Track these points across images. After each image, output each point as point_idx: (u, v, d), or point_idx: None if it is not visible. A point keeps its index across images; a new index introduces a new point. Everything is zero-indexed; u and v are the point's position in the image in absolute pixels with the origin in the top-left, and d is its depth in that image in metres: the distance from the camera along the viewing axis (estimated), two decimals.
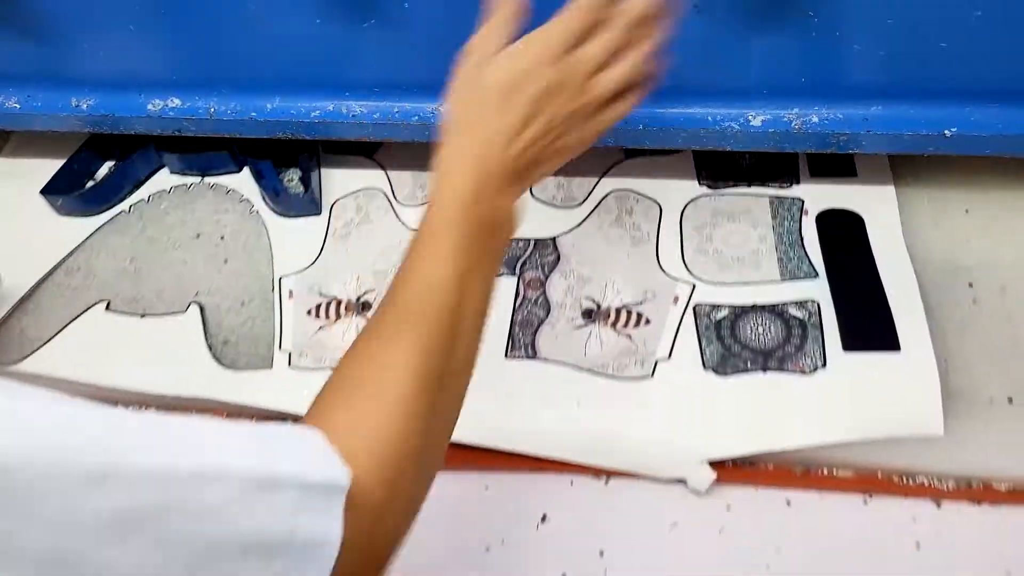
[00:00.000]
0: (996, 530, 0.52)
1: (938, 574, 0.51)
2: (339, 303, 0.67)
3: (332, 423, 0.35)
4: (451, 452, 0.52)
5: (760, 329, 0.61)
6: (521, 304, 0.65)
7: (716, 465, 0.55)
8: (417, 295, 0.40)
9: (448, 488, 0.53)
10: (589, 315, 0.63)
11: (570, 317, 0.63)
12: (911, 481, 0.54)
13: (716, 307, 0.62)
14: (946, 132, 0.58)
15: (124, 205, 0.76)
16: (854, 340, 0.58)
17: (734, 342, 0.60)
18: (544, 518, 0.55)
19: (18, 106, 0.72)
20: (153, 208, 0.76)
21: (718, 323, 0.61)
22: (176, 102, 0.69)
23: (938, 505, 0.53)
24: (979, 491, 0.53)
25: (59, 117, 0.71)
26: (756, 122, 0.61)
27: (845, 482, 0.55)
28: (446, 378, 0.40)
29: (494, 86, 0.44)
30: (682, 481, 0.55)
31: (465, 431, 0.56)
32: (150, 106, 0.69)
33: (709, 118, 0.62)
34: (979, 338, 0.58)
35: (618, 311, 0.63)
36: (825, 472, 0.55)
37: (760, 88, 0.60)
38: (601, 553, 0.54)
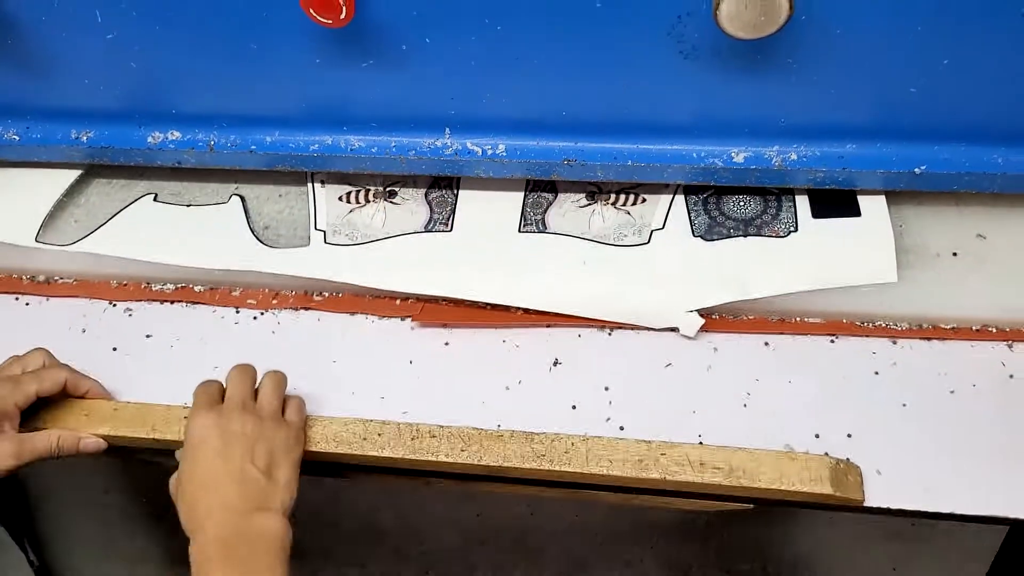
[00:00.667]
0: (942, 360, 0.61)
1: (893, 394, 0.60)
2: (367, 191, 0.74)
3: None
4: (471, 311, 0.67)
5: (741, 202, 0.70)
6: (531, 188, 0.73)
7: (703, 315, 0.63)
8: None
9: (470, 341, 0.66)
10: (592, 196, 0.71)
11: (575, 199, 0.72)
12: (871, 324, 0.64)
13: (704, 187, 0.70)
14: (916, 170, 0.64)
15: None
16: (822, 208, 0.68)
17: (719, 213, 0.69)
18: (556, 362, 0.62)
19: (17, 138, 0.73)
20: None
21: (705, 199, 0.70)
22: (176, 135, 0.71)
23: (894, 342, 0.63)
24: (928, 330, 0.63)
25: (59, 148, 0.72)
26: (739, 159, 0.65)
27: (814, 326, 0.64)
28: None
29: (190, 473, 0.55)
30: (675, 329, 0.64)
31: (484, 292, 0.66)
32: (150, 139, 0.71)
33: (695, 154, 0.66)
34: (928, 202, 0.68)
35: (618, 192, 0.71)
36: (797, 319, 0.65)
37: (742, 127, 0.64)
38: (606, 388, 0.63)
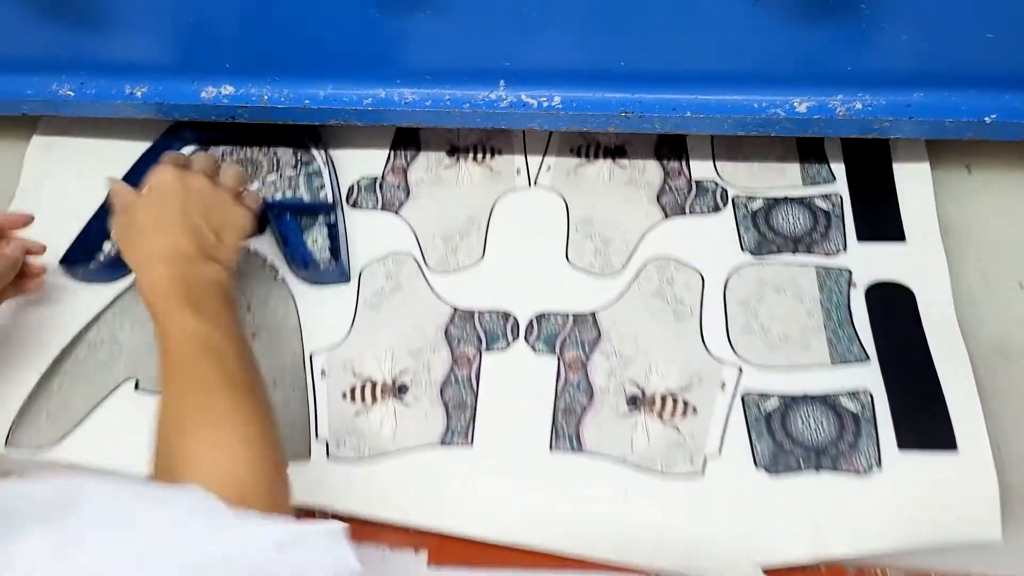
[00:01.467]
0: None
1: None
2: (374, 385, 0.65)
3: (218, 475, 0.46)
4: (496, 552, 0.58)
5: (812, 423, 0.60)
6: (563, 388, 0.63)
7: (769, 571, 0.55)
8: (182, 358, 0.51)
9: None
10: (634, 402, 0.62)
11: (614, 404, 0.62)
12: None
13: (765, 396, 0.61)
14: (986, 119, 0.61)
15: None
16: (909, 437, 0.58)
17: (785, 437, 0.60)
18: None
19: (72, 93, 0.72)
20: None
21: (768, 415, 0.60)
22: (229, 89, 0.70)
23: None
24: None
25: (114, 104, 0.72)
26: (801, 108, 0.63)
27: None
28: (249, 392, 0.51)
29: (146, 212, 0.57)
30: None
31: (512, 530, 0.58)
32: (203, 93, 0.70)
33: (755, 104, 0.63)
34: None
35: (663, 398, 0.62)
36: (878, 572, 0.55)
37: (805, 75, 0.62)
38: None
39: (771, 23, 0.57)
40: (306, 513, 0.59)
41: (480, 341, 0.65)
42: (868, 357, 0.61)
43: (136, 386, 0.66)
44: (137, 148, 0.78)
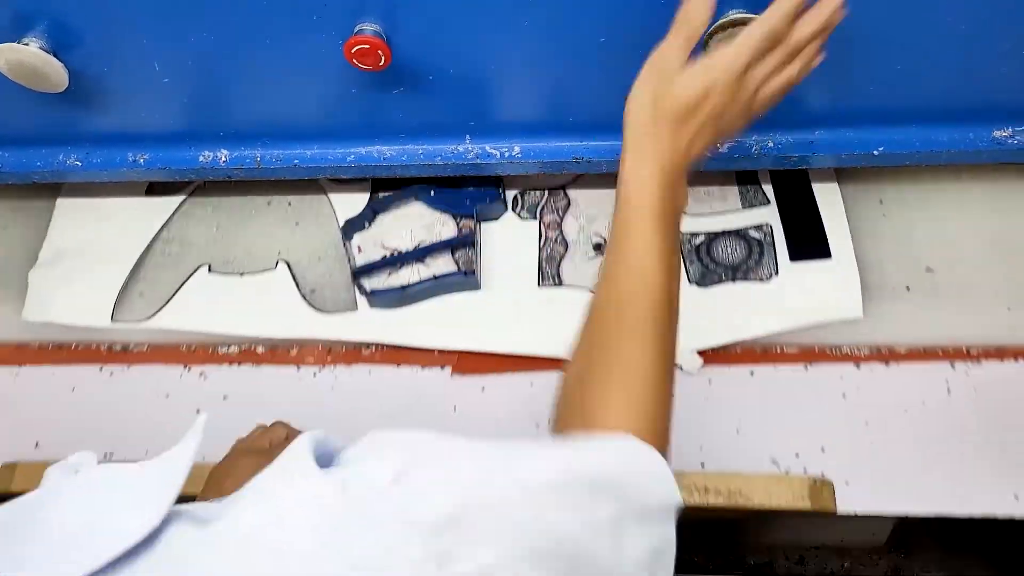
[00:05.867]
0: (898, 380, 0.73)
1: (861, 414, 0.71)
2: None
3: (616, 413, 0.46)
4: (503, 361, 0.76)
5: (729, 249, 0.79)
6: (544, 243, 0.82)
7: (701, 352, 0.75)
8: (634, 288, 0.49)
9: (503, 386, 0.76)
10: (598, 248, 0.81)
11: (584, 251, 0.81)
12: (838, 352, 0.75)
13: (695, 234, 0.79)
14: (875, 152, 0.71)
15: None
16: (798, 253, 0.78)
17: (710, 260, 0.79)
18: None
19: (80, 163, 0.78)
20: (221, 184, 0.85)
21: (697, 247, 0.79)
22: (225, 153, 0.77)
23: (857, 367, 0.74)
24: (886, 354, 0.74)
25: (119, 171, 0.78)
26: (723, 148, 0.72)
27: (791, 356, 0.75)
28: (671, 344, 0.50)
29: (676, 107, 0.50)
30: (679, 366, 0.74)
31: (514, 345, 0.77)
32: (201, 158, 0.77)
33: None
34: (886, 243, 0.78)
35: None
36: (777, 350, 0.76)
37: None
38: None
39: None
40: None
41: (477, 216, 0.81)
42: (769, 201, 0.80)
43: (209, 269, 0.83)
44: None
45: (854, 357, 0.74)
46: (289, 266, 0.82)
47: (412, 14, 0.60)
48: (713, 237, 0.79)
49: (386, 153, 0.76)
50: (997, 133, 0.70)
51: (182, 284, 0.83)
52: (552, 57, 0.65)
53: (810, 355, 0.74)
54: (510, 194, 0.84)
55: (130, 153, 0.77)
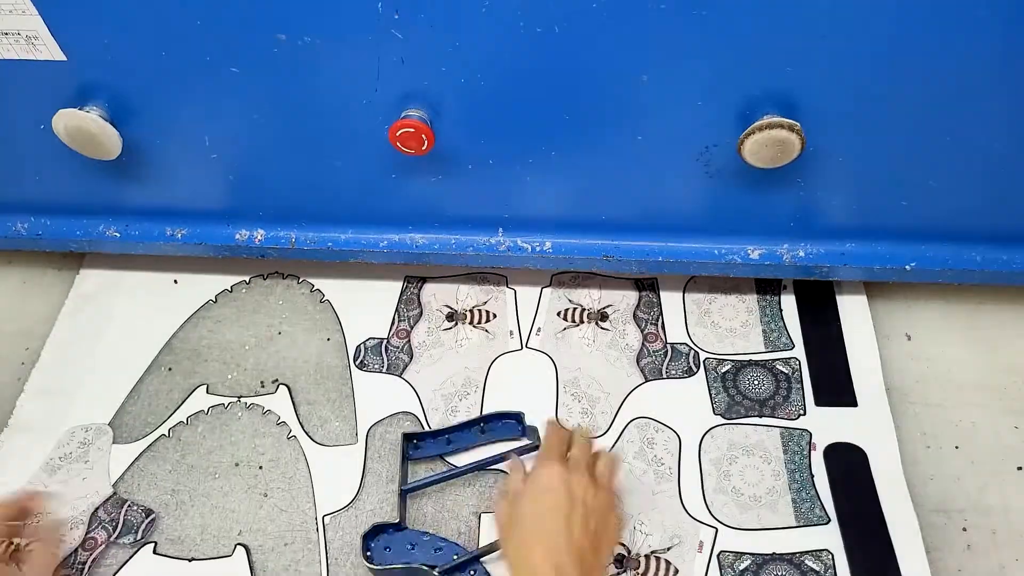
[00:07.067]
0: None
1: None
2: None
3: None
4: None
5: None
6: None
7: None
8: None
9: None
10: (620, 562, 0.67)
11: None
12: None
13: (739, 556, 0.67)
14: (907, 267, 0.72)
15: (164, 428, 0.77)
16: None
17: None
18: None
19: (118, 234, 0.79)
20: (191, 432, 0.77)
21: (741, 573, 0.66)
22: (261, 233, 0.78)
23: None
24: None
25: (155, 244, 0.79)
26: (754, 255, 0.73)
27: None
28: None
29: (532, 511, 0.58)
30: None
31: None
32: (238, 236, 0.78)
33: (716, 251, 0.73)
34: None
35: (647, 558, 0.67)
36: None
37: (757, 229, 0.72)
38: None
39: (725, 190, 0.67)
40: None
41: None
42: (829, 519, 0.68)
43: (154, 549, 0.70)
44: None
45: None
46: (248, 552, 0.69)
47: (457, 104, 0.62)
48: (762, 562, 0.66)
49: (419, 241, 0.76)
50: None
51: (120, 567, 0.69)
52: (590, 154, 0.66)
53: None
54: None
55: (168, 227, 0.79)
